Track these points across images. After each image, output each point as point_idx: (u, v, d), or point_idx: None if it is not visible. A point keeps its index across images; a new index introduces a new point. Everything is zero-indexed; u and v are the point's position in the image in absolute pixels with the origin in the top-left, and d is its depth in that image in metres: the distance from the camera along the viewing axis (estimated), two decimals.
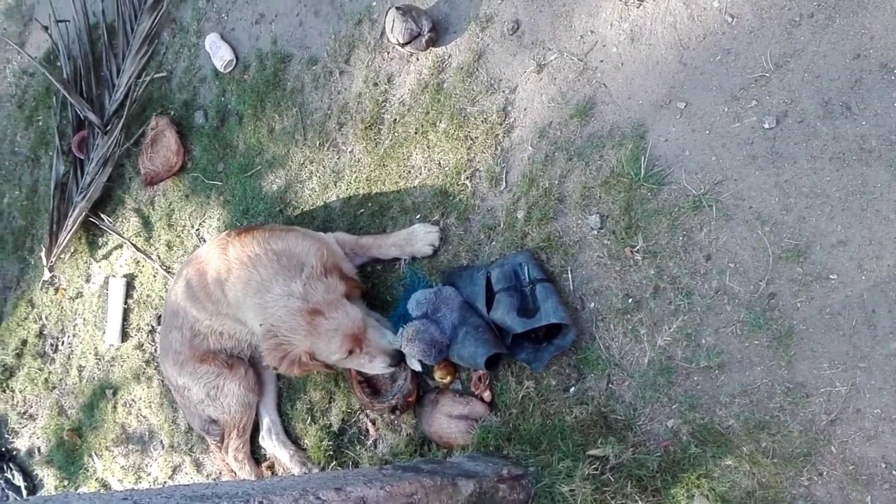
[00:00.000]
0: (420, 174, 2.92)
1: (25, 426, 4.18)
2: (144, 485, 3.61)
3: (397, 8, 2.86)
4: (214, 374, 3.01)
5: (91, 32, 4.11)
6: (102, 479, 3.79)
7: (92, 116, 3.87)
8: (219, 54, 3.53)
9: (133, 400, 3.70)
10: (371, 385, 2.84)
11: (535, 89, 2.70)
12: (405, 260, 2.88)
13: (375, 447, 2.88)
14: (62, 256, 4.05)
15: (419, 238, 2.80)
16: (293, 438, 3.13)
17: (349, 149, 3.12)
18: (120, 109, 3.85)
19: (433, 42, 2.90)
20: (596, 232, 2.51)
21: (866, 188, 2.14)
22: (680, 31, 2.45)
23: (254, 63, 3.46)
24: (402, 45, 2.90)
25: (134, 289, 3.78)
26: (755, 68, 2.32)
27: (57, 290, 4.13)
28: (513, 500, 2.28)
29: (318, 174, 3.19)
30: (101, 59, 4.02)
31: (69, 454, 3.93)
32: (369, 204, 3.03)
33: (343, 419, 2.97)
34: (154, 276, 3.70)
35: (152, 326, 3.68)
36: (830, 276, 2.16)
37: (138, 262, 3.78)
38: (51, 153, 4.15)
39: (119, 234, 3.83)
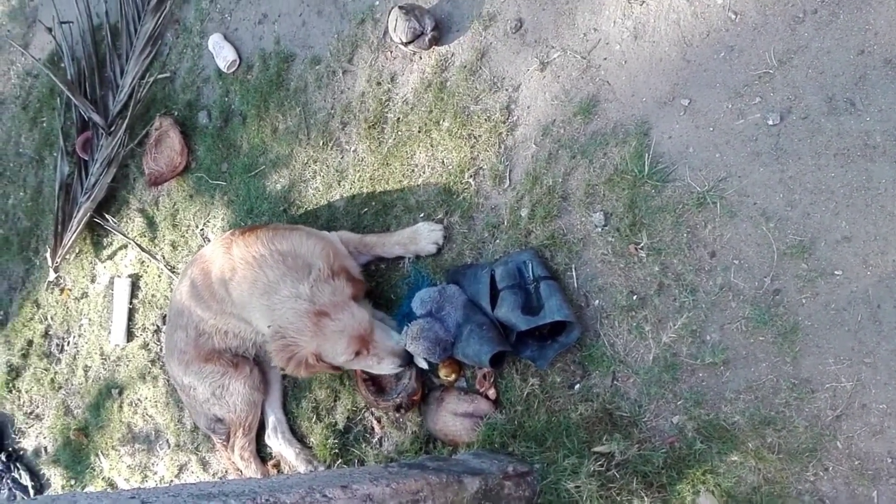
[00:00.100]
0: (423, 173, 2.92)
1: (32, 426, 4.19)
2: (151, 484, 3.62)
3: (400, 7, 2.86)
4: (220, 373, 3.02)
5: (94, 34, 4.11)
6: (109, 478, 3.80)
7: (96, 117, 3.87)
8: (222, 54, 3.54)
9: (139, 399, 3.71)
10: (376, 383, 2.85)
11: (538, 87, 2.70)
12: (409, 258, 2.88)
13: (381, 445, 2.89)
14: (67, 257, 4.06)
15: (423, 236, 2.81)
16: (299, 437, 3.14)
17: (353, 148, 3.13)
18: (124, 110, 3.85)
19: (436, 41, 2.90)
20: (600, 229, 2.51)
21: (871, 184, 2.13)
22: (683, 28, 2.45)
23: (257, 63, 3.46)
24: (406, 44, 2.90)
25: (139, 289, 3.79)
26: (759, 65, 2.32)
27: (62, 290, 4.14)
28: (518, 496, 2.28)
29: (321, 173, 3.20)
30: (104, 60, 4.02)
31: (76, 454, 3.95)
32: (373, 203, 3.03)
33: (348, 417, 2.98)
34: (159, 276, 3.71)
35: (157, 326, 3.69)
36: (835, 272, 2.16)
37: (143, 262, 3.79)
38: (55, 154, 4.16)
39: (124, 235, 3.83)
